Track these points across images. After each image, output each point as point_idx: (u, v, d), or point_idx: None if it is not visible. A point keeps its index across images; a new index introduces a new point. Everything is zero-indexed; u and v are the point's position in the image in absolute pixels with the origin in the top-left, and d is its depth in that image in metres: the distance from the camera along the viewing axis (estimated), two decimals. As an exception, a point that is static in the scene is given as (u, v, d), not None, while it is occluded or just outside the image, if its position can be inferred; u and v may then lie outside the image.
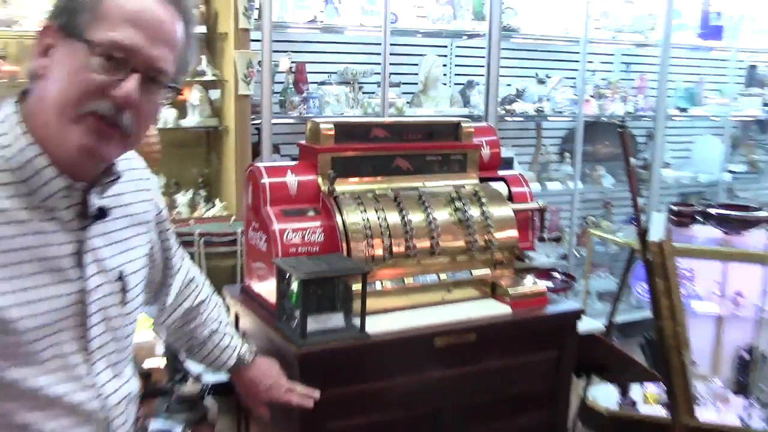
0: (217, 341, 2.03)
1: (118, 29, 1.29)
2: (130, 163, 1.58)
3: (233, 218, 3.51)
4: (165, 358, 2.65)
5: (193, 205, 4.51)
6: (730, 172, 7.08)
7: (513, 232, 2.59)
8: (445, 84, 5.77)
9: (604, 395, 4.75)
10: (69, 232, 1.37)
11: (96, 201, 1.41)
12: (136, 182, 1.60)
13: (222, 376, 2.69)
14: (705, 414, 4.50)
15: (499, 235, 2.56)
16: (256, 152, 4.52)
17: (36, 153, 1.31)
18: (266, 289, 2.45)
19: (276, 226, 2.34)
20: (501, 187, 2.72)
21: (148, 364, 2.63)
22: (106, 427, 1.46)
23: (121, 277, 1.48)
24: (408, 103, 5.37)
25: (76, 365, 1.40)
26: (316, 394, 2.13)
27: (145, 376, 2.54)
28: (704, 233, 4.70)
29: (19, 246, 1.29)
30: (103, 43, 1.28)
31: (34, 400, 1.34)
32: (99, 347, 1.44)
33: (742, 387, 4.84)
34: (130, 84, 1.30)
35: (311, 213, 2.42)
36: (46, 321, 1.33)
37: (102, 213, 1.43)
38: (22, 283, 1.30)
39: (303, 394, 2.12)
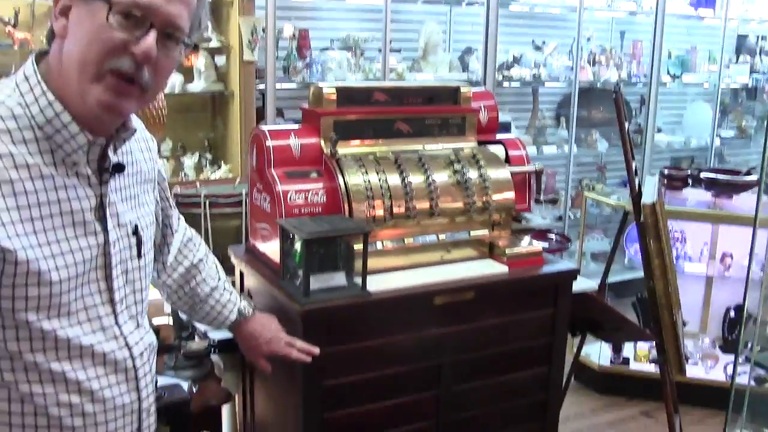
0: (218, 297, 2.09)
1: None
2: (136, 122, 1.62)
3: (238, 180, 3.56)
4: (172, 316, 2.72)
5: (199, 168, 4.57)
6: (720, 137, 7.16)
7: (510, 194, 2.65)
8: (444, 50, 5.81)
9: (596, 353, 4.86)
10: (89, 186, 1.42)
11: (113, 156, 1.46)
12: (141, 141, 1.64)
13: (227, 334, 2.77)
14: (694, 371, 4.62)
15: (497, 196, 2.62)
16: (261, 116, 4.58)
17: (60, 110, 1.34)
18: (270, 248, 2.51)
19: (280, 188, 2.40)
20: (499, 150, 2.77)
21: (156, 321, 2.69)
22: (134, 376, 1.52)
23: (136, 231, 1.53)
24: (408, 68, 5.42)
25: (102, 316, 1.46)
26: (316, 350, 2.20)
27: (154, 332, 2.60)
28: (695, 196, 4.79)
29: (46, 200, 1.34)
30: (121, 2, 1.31)
31: (66, 350, 1.40)
32: (121, 299, 1.50)
33: (729, 345, 4.95)
34: (150, 40, 1.33)
35: (314, 175, 2.47)
36: (73, 273, 1.38)
37: (119, 168, 1.47)
38: (51, 236, 1.34)
39: (302, 349, 2.19)
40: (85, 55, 1.33)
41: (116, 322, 1.49)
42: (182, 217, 2.04)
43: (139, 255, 1.55)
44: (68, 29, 1.34)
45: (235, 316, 2.13)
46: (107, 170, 1.44)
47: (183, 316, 2.56)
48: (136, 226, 1.54)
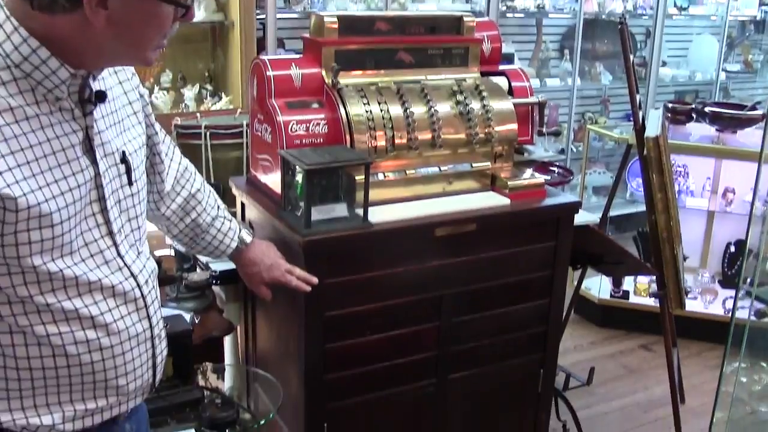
0: (219, 226, 2.08)
1: None
2: None
3: (239, 111, 3.53)
4: (174, 248, 2.72)
5: (199, 99, 4.53)
6: (726, 71, 7.09)
7: (513, 126, 2.63)
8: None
9: (597, 286, 4.89)
10: (74, 120, 1.39)
11: (94, 85, 1.43)
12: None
13: (228, 265, 2.78)
14: (693, 305, 4.64)
15: (499, 128, 2.60)
16: (261, 47, 4.52)
17: (36, 45, 1.29)
18: (271, 180, 2.50)
19: (281, 118, 2.38)
20: (502, 81, 2.74)
21: (158, 253, 2.70)
22: (143, 304, 1.53)
23: (124, 158, 1.51)
24: (411, -3, 5.34)
25: (103, 250, 1.45)
26: (314, 279, 2.21)
27: (156, 264, 2.61)
28: (699, 131, 4.76)
29: (36, 142, 1.31)
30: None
31: (75, 288, 1.40)
32: (119, 229, 1.49)
33: (729, 280, 4.98)
34: (194, 7, 1.41)
35: (315, 105, 2.45)
36: (72, 212, 1.37)
37: (101, 96, 1.44)
38: (49, 177, 1.32)
39: (301, 278, 2.20)
40: (144, 38, 1.37)
41: (118, 254, 1.48)
42: (176, 146, 2.01)
43: (130, 182, 1.53)
44: (111, 18, 1.30)
45: (236, 244, 2.13)
46: (89, 101, 1.41)
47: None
48: (124, 153, 1.51)
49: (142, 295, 1.52)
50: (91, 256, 1.42)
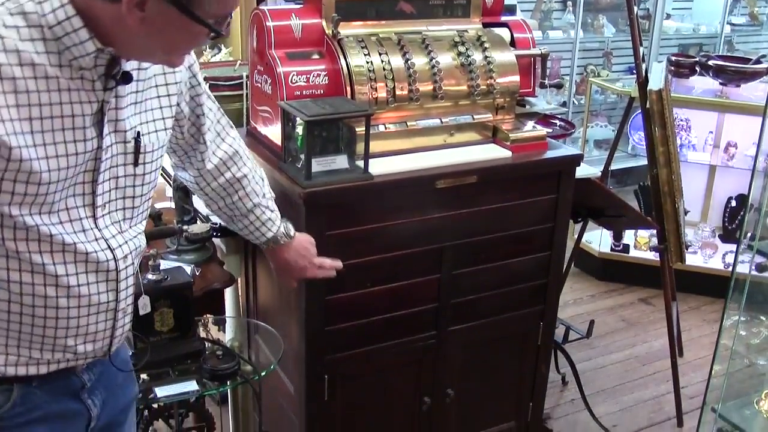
0: (258, 214, 2.05)
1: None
2: None
3: (239, 63, 3.50)
4: (174, 200, 2.71)
5: (198, 51, 4.47)
6: (731, 24, 7.01)
7: (515, 78, 2.61)
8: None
9: (597, 240, 4.90)
10: (92, 92, 1.38)
11: (123, 66, 1.42)
12: None
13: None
14: (693, 259, 4.65)
15: (501, 80, 2.58)
16: (261, -3, 4.46)
17: (72, 13, 1.30)
18: (272, 131, 2.49)
19: (281, 69, 2.36)
20: (504, 32, 2.71)
21: (159, 205, 2.69)
22: (114, 278, 1.52)
23: (137, 139, 1.50)
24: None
25: (81, 218, 1.44)
26: (339, 264, 2.20)
27: (156, 216, 2.60)
28: (702, 84, 4.73)
29: (48, 101, 1.31)
30: (219, 22, 1.37)
31: (48, 245, 1.40)
32: (103, 204, 1.48)
33: (729, 234, 4.98)
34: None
35: (316, 56, 2.43)
36: (63, 176, 1.37)
37: (126, 77, 1.43)
38: (48, 137, 1.33)
39: (330, 266, 2.19)
40: (174, 46, 1.41)
41: (95, 225, 1.47)
42: (234, 131, 1.99)
43: (136, 163, 1.52)
44: (145, 20, 1.30)
45: (271, 235, 2.08)
46: (114, 77, 1.41)
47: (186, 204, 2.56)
48: (138, 133, 1.51)
49: (116, 268, 1.51)
50: (70, 221, 1.42)
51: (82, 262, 1.45)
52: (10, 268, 1.39)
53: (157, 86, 1.58)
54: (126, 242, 1.54)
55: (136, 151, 1.51)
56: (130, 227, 1.57)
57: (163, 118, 1.60)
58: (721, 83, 4.61)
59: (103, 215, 1.48)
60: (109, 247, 1.49)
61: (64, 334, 1.48)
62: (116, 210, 1.52)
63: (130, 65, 1.45)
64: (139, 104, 1.52)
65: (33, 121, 1.30)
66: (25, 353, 1.47)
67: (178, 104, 1.68)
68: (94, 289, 1.49)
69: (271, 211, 2.08)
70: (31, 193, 1.32)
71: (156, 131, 1.57)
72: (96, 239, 1.47)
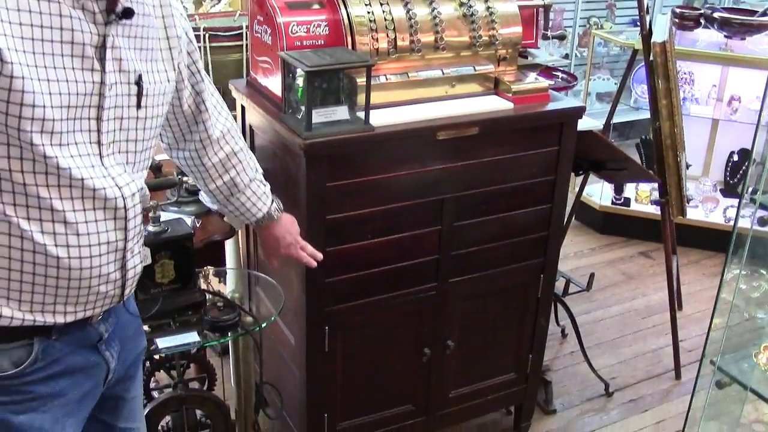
0: (255, 189, 2.07)
1: None
2: None
3: (238, 13, 3.47)
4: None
5: (198, 2, 4.44)
6: (738, -27, 6.93)
7: (517, 29, 2.58)
8: None
9: (598, 193, 4.89)
10: (94, 24, 1.39)
11: (126, 1, 1.42)
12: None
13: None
14: (694, 213, 4.66)
15: (504, 31, 2.55)
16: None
17: None
18: (272, 82, 2.47)
19: (281, 19, 2.33)
20: (506, -18, 2.68)
21: (158, 157, 2.68)
22: (123, 216, 1.52)
23: (139, 81, 1.50)
24: None
25: (89, 155, 1.44)
26: (320, 255, 2.26)
27: (156, 168, 2.60)
28: (706, 37, 4.68)
29: (50, 24, 1.32)
30: None
31: (58, 179, 1.40)
32: (108, 143, 1.48)
33: (730, 188, 4.98)
34: None
35: (316, 6, 2.40)
36: (66, 102, 1.36)
37: (127, 12, 1.43)
38: (49, 60, 1.33)
39: (311, 254, 2.25)
40: None
41: (101, 163, 1.47)
42: (223, 103, 1.99)
43: (139, 105, 1.52)
44: None
45: (266, 209, 2.11)
46: (114, 11, 1.41)
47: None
48: (140, 76, 1.50)
49: (124, 206, 1.51)
50: (79, 155, 1.42)
51: (89, 198, 1.45)
52: (17, 204, 1.38)
53: (159, 39, 1.59)
54: (132, 181, 1.54)
55: (139, 93, 1.51)
56: (134, 172, 1.57)
57: (166, 71, 1.61)
58: (726, 36, 4.56)
59: (108, 155, 1.48)
60: (116, 184, 1.49)
61: (78, 275, 1.48)
62: (120, 152, 1.52)
63: (135, 7, 1.46)
64: (143, 51, 1.52)
65: (34, 42, 1.30)
66: (39, 299, 1.47)
67: (178, 65, 1.68)
68: (103, 227, 1.49)
69: (265, 185, 2.11)
70: (38, 117, 1.32)
71: (159, 79, 1.58)
72: (104, 176, 1.47)
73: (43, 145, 1.35)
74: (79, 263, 1.47)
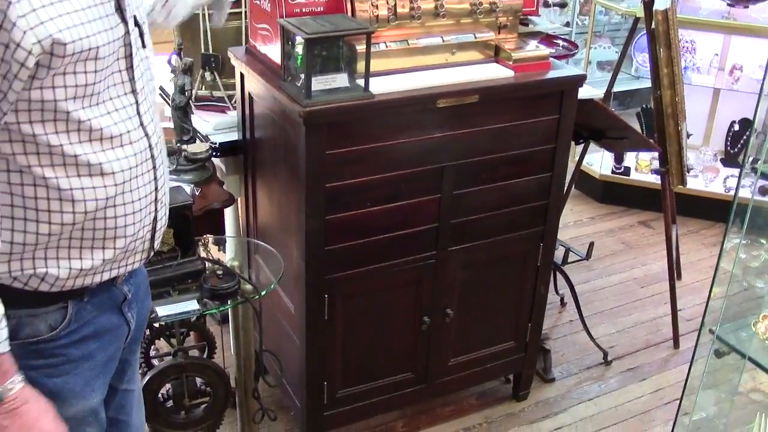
0: None
1: None
2: None
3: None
4: (173, 119, 2.69)
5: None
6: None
7: (518, -5, 2.56)
8: None
9: (598, 162, 4.88)
10: None
11: None
12: None
13: (229, 136, 2.76)
14: (694, 183, 4.65)
15: (504, -2, 2.53)
16: None
17: None
18: (271, 50, 2.45)
19: (280, -15, 2.31)
20: (507, -52, 2.66)
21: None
22: (152, 165, 1.57)
23: (137, 23, 1.55)
24: None
25: (126, 106, 1.50)
26: None
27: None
28: (709, 4, 4.64)
29: None
30: None
31: (100, 141, 1.45)
32: (141, 89, 1.54)
33: (731, 158, 4.96)
34: None
35: (315, -28, 2.38)
36: (107, 64, 1.43)
37: None
38: (90, 28, 1.38)
39: None
40: None
41: (138, 112, 1.53)
42: None
43: (143, 45, 1.57)
44: None
45: None
46: None
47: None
48: (135, 17, 1.55)
49: (152, 156, 1.57)
50: (116, 110, 1.48)
51: (131, 154, 1.50)
52: (69, 175, 1.43)
53: None
54: (155, 130, 1.60)
55: (141, 33, 1.57)
56: (155, 112, 1.62)
57: (142, 8, 1.65)
58: (729, 4, 4.53)
59: (142, 101, 1.55)
60: (146, 134, 1.55)
61: (120, 224, 1.53)
62: (148, 94, 1.59)
63: None
64: None
65: (76, 13, 1.36)
66: (77, 254, 1.50)
67: None
68: (142, 180, 1.55)
69: None
70: (81, 84, 1.39)
71: (144, 16, 1.64)
72: (137, 127, 1.52)
73: (76, 110, 1.40)
74: (123, 211, 1.52)
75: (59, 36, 1.32)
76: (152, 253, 1.69)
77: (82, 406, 1.64)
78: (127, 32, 1.49)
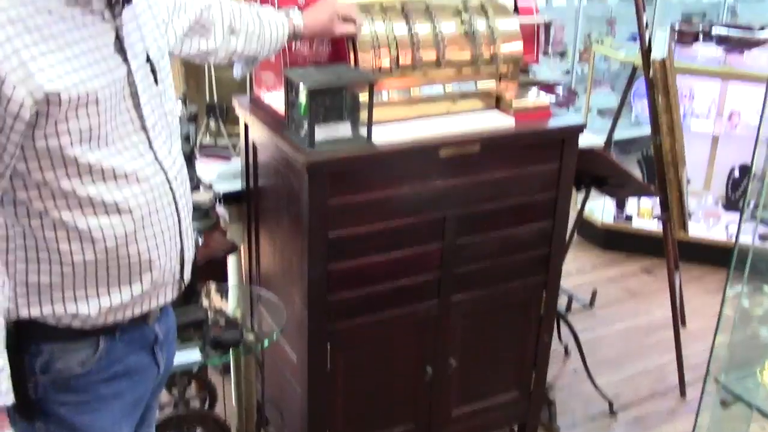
0: (266, 18, 2.14)
1: None
2: None
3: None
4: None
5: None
6: (735, -9, 6.97)
7: (518, 45, 2.58)
8: None
9: (600, 209, 4.89)
10: (104, 22, 1.45)
11: None
12: None
13: (233, 186, 2.77)
14: (696, 229, 4.65)
15: (505, 47, 2.55)
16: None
17: None
18: (275, 99, 2.47)
19: (283, 36, 2.33)
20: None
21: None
22: (172, 199, 1.59)
23: (148, 59, 1.56)
24: None
25: (137, 144, 1.52)
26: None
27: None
28: (705, 53, 4.69)
29: (73, 40, 1.39)
30: None
31: (114, 180, 1.47)
32: (152, 126, 1.55)
33: (732, 203, 4.97)
34: None
35: (318, 23, 2.40)
36: (109, 105, 1.44)
37: None
38: (87, 72, 1.40)
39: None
40: None
41: (151, 147, 1.54)
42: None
43: (156, 82, 1.59)
44: None
45: (291, 26, 2.20)
46: (117, 2, 1.47)
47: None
48: (147, 55, 1.57)
49: (171, 189, 1.58)
50: (126, 149, 1.49)
51: (146, 189, 1.52)
52: (86, 214, 1.46)
53: (144, 9, 1.63)
54: (174, 162, 1.61)
55: (153, 70, 1.58)
56: (172, 145, 1.63)
57: (162, 38, 1.68)
58: (725, 51, 4.58)
59: (156, 136, 1.56)
60: (162, 169, 1.56)
61: (145, 258, 1.55)
62: (162, 129, 1.59)
63: None
64: (143, 27, 1.59)
65: (71, 61, 1.38)
66: (105, 291, 1.52)
67: (165, 27, 1.80)
68: (163, 214, 1.56)
69: (273, 12, 2.19)
70: (85, 128, 1.41)
71: (160, 49, 1.65)
72: (151, 162, 1.54)
73: (84, 154, 1.42)
74: (148, 255, 1.54)
75: (52, 87, 1.33)
76: (183, 286, 1.70)
77: None
78: (130, 72, 1.50)
